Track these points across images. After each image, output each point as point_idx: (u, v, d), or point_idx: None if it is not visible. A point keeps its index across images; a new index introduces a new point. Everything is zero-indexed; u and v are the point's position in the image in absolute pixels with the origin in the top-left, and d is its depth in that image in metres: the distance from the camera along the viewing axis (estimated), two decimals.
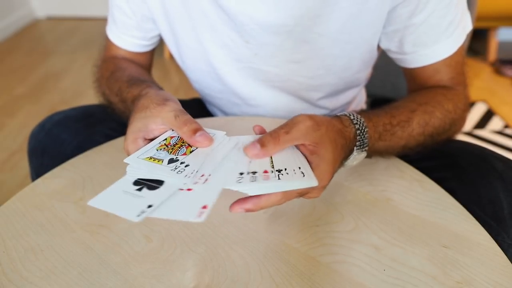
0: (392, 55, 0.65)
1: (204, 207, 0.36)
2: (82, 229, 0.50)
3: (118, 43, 0.74)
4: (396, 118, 0.54)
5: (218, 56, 0.66)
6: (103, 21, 3.07)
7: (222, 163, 0.41)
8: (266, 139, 0.41)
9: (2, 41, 2.77)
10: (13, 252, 0.47)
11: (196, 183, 0.39)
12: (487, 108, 1.86)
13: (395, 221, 0.50)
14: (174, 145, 0.45)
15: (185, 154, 0.43)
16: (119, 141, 0.66)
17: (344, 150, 0.46)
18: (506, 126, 1.74)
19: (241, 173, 0.39)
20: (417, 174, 0.57)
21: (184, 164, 0.41)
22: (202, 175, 0.39)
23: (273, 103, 0.71)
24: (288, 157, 0.42)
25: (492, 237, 0.47)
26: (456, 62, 0.61)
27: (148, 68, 0.79)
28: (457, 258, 0.45)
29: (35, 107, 1.99)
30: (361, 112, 0.51)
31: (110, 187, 0.40)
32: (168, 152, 0.44)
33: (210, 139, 0.44)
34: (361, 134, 0.49)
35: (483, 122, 1.77)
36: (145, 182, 0.40)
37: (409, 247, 0.46)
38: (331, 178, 0.43)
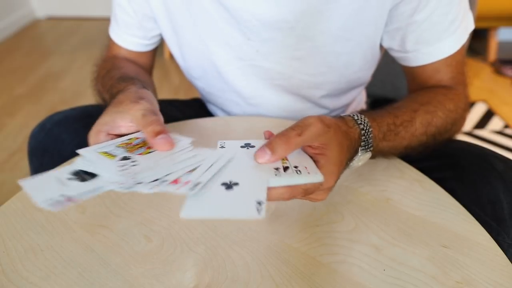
0: (394, 54, 0.65)
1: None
2: (82, 229, 0.50)
3: (119, 42, 0.74)
4: (399, 118, 0.54)
5: (220, 54, 0.67)
6: (103, 21, 3.07)
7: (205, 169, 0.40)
8: (276, 143, 0.39)
9: (2, 41, 2.77)
10: (13, 252, 0.47)
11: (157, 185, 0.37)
12: (487, 108, 1.86)
13: (395, 221, 0.50)
14: (135, 145, 0.44)
15: (141, 154, 0.42)
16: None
17: (349, 151, 0.46)
18: (506, 126, 1.74)
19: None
20: (417, 174, 0.57)
21: (134, 163, 0.40)
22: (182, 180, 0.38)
23: (274, 102, 0.71)
24: (293, 155, 0.41)
25: (492, 237, 0.47)
26: (456, 62, 0.61)
27: (149, 68, 0.79)
28: (457, 258, 0.45)
29: (35, 107, 1.99)
30: (364, 113, 0.51)
31: (49, 171, 0.40)
32: (126, 150, 0.43)
33: (171, 144, 0.43)
34: (365, 134, 0.49)
35: (483, 122, 1.77)
36: (81, 174, 0.40)
37: (409, 247, 0.46)
38: (337, 180, 0.43)
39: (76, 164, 0.42)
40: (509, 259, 0.44)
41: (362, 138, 0.48)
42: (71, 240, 0.48)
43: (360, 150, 0.49)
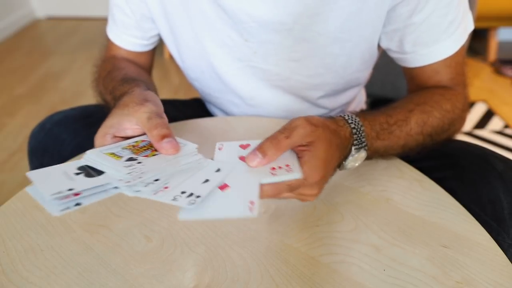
0: (393, 55, 0.65)
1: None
2: (82, 229, 0.50)
3: (118, 43, 0.74)
4: (393, 118, 0.54)
5: (217, 55, 0.66)
6: (103, 21, 3.06)
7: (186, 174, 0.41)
8: (266, 146, 0.41)
9: (2, 41, 2.77)
10: (13, 252, 0.47)
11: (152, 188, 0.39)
12: (487, 108, 1.86)
13: (395, 221, 0.50)
14: (141, 148, 0.45)
15: (147, 156, 0.43)
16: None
17: (339, 149, 0.46)
18: (506, 126, 1.74)
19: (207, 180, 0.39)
20: (417, 174, 0.57)
21: (141, 164, 0.41)
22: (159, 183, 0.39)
23: (273, 102, 0.71)
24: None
25: (492, 237, 0.47)
26: (456, 63, 0.61)
27: (148, 68, 0.79)
28: (457, 258, 0.45)
29: (35, 107, 1.99)
30: (356, 113, 0.52)
31: (56, 165, 0.41)
32: (132, 152, 0.44)
33: (177, 148, 0.43)
34: (357, 133, 0.49)
35: (483, 122, 1.77)
36: (87, 169, 0.41)
37: (409, 247, 0.46)
38: (323, 176, 0.44)
39: (83, 161, 0.43)
40: (509, 259, 0.44)
41: (354, 136, 0.49)
42: (71, 240, 0.48)
43: (354, 148, 0.49)
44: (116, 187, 0.39)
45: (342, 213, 0.51)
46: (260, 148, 0.41)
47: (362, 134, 0.49)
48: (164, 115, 0.48)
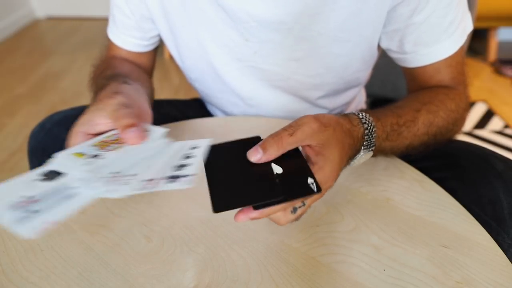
0: (393, 55, 0.65)
1: (54, 223, 0.31)
2: (82, 229, 0.50)
3: (118, 43, 0.74)
4: (402, 118, 0.54)
5: (218, 55, 0.66)
6: (103, 21, 3.07)
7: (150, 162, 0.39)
8: (268, 143, 0.39)
9: (2, 41, 2.77)
10: (13, 252, 0.47)
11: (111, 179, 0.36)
12: (487, 108, 1.86)
13: (395, 221, 0.50)
14: (107, 142, 0.42)
15: (112, 150, 0.40)
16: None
17: (351, 149, 0.46)
18: (506, 126, 1.74)
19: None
20: (417, 174, 0.57)
21: (102, 159, 0.38)
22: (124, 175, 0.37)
23: (273, 103, 0.71)
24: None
25: (492, 237, 0.47)
26: (456, 62, 0.61)
27: (149, 68, 0.79)
28: (457, 258, 0.45)
29: (35, 107, 1.99)
30: (369, 111, 0.51)
31: (23, 175, 0.37)
32: (99, 148, 0.41)
33: (141, 137, 0.41)
34: (369, 134, 0.48)
35: (483, 122, 1.77)
36: (52, 174, 0.37)
37: (409, 247, 0.46)
38: (336, 179, 0.43)
39: (47, 165, 0.39)
40: (509, 259, 0.44)
41: (366, 137, 0.48)
42: (71, 240, 0.48)
43: (363, 149, 0.49)
44: (77, 189, 0.35)
45: (342, 213, 0.51)
46: (262, 144, 0.39)
47: (373, 135, 0.49)
48: (136, 105, 0.46)
